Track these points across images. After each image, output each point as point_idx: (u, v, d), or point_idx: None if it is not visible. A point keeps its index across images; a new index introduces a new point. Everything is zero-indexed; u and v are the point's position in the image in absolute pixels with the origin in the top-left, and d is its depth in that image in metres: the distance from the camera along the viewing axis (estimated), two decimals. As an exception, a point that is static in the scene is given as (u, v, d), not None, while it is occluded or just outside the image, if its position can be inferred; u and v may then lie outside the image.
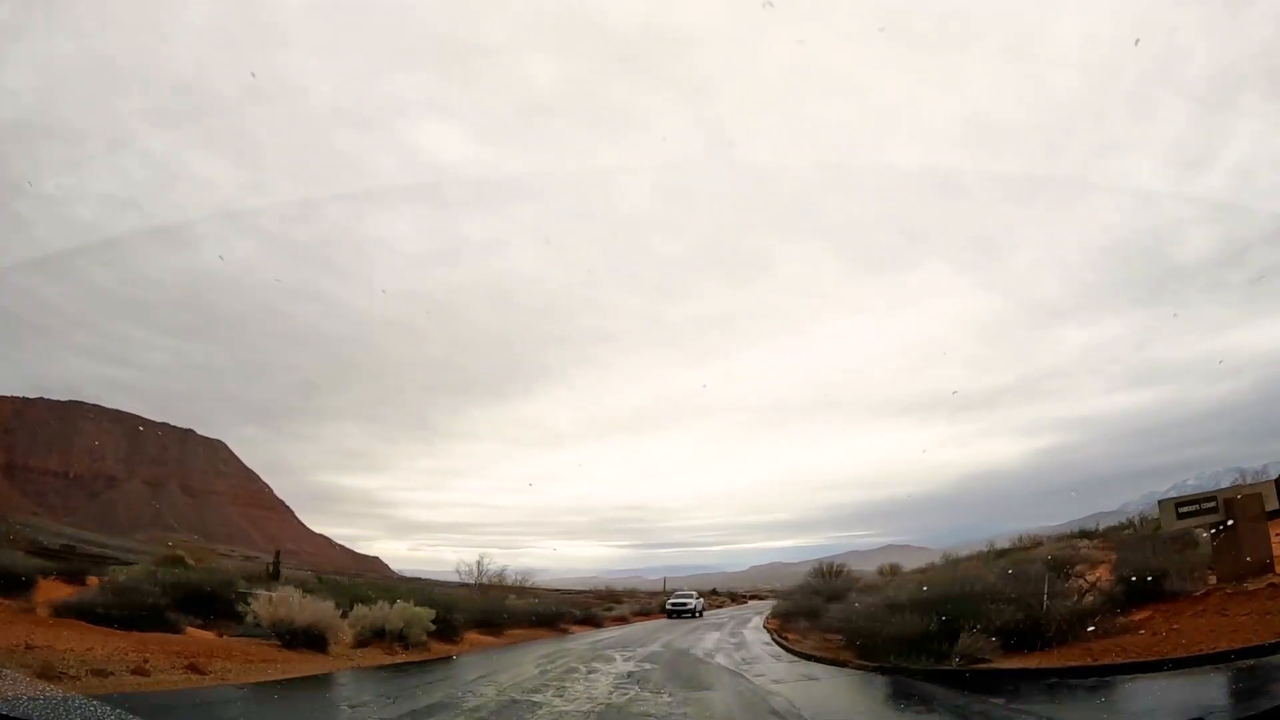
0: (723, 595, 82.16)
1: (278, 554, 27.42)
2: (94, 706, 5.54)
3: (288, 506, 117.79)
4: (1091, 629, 11.32)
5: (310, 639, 14.96)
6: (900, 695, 11.00)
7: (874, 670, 13.01)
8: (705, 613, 45.91)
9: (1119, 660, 9.83)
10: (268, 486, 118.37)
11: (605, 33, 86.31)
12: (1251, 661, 8.26)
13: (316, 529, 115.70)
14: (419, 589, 26.04)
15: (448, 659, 16.91)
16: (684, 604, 41.99)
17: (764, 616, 38.94)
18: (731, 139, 76.26)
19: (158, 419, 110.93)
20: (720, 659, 17.31)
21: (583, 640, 24.03)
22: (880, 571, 38.56)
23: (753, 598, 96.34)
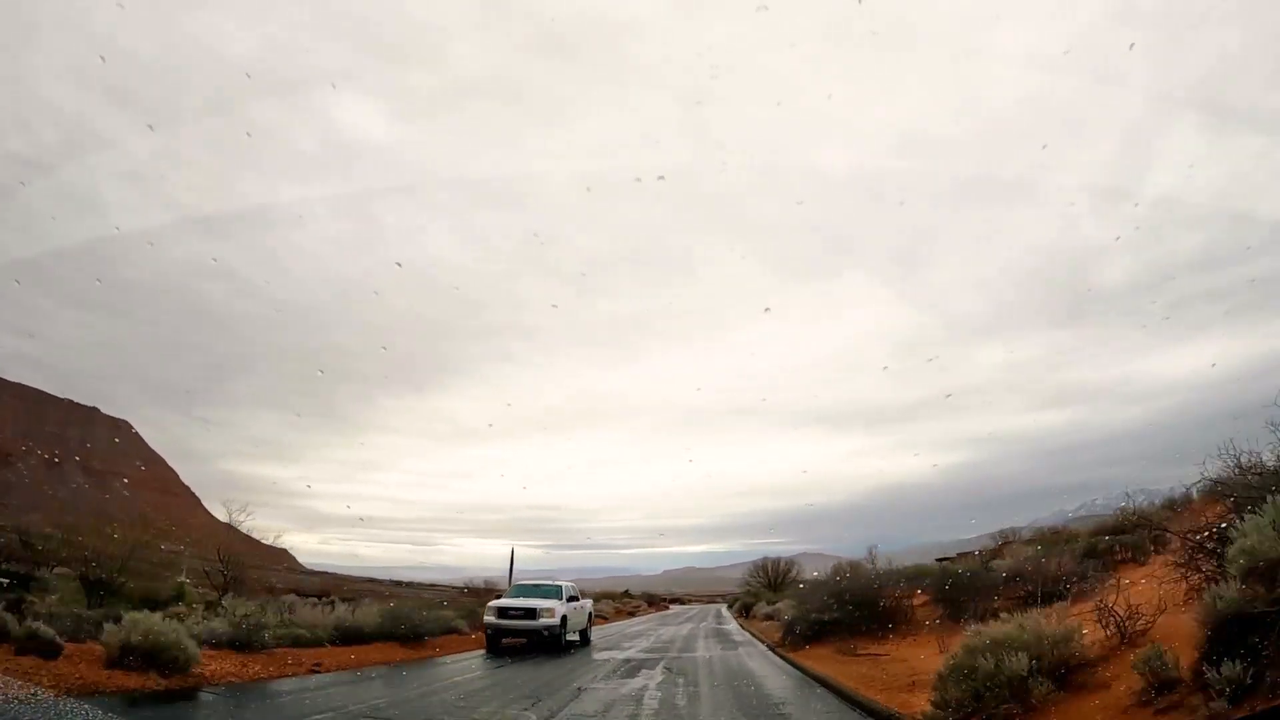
0: (637, 599, 72.65)
1: None
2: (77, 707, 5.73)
3: (194, 493, 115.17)
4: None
5: None
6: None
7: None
8: (595, 635, 23.61)
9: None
10: (174, 471, 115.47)
11: (536, 17, 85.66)
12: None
13: (224, 519, 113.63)
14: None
15: None
16: (533, 612, 18.42)
17: (763, 647, 20.87)
18: (658, 135, 77.18)
19: (60, 394, 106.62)
20: None
21: None
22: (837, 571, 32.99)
23: (674, 602, 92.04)
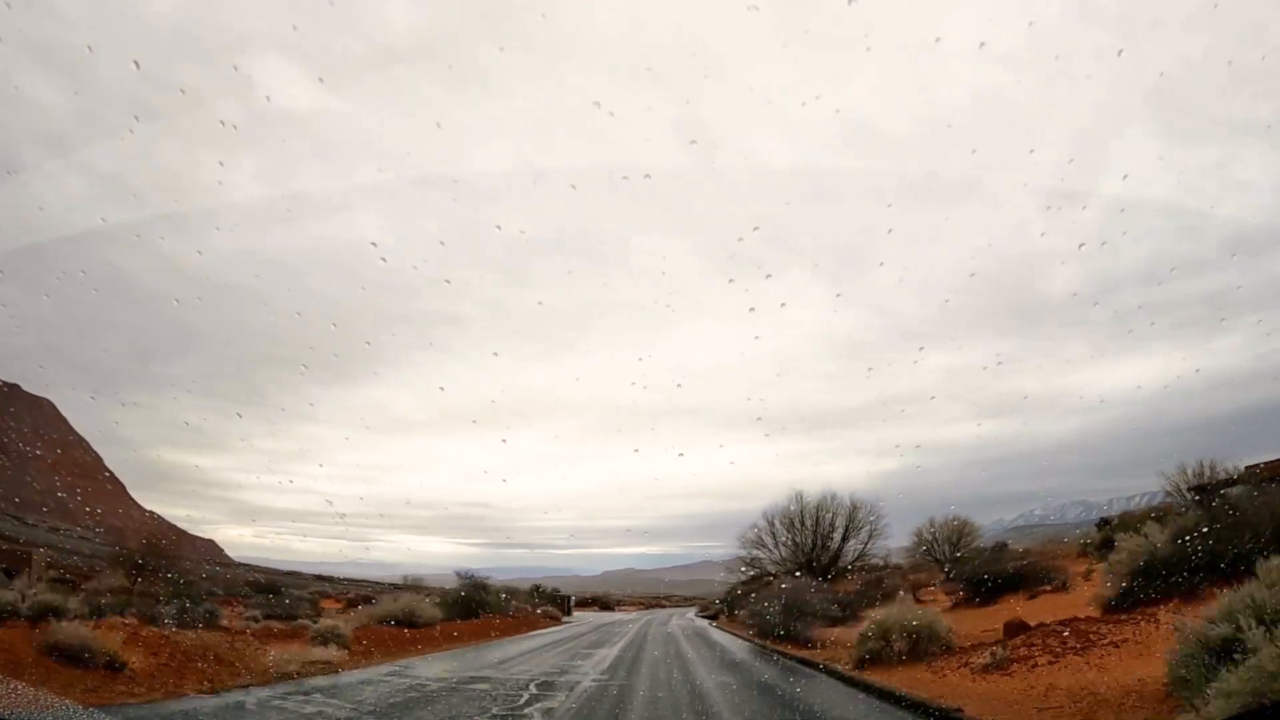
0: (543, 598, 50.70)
1: None
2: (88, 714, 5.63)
3: (118, 479, 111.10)
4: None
5: None
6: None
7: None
8: None
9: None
10: (98, 456, 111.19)
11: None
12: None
13: (150, 507, 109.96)
14: None
15: None
16: None
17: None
18: (594, 117, 74.19)
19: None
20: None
21: None
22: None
23: (589, 604, 75.71)
